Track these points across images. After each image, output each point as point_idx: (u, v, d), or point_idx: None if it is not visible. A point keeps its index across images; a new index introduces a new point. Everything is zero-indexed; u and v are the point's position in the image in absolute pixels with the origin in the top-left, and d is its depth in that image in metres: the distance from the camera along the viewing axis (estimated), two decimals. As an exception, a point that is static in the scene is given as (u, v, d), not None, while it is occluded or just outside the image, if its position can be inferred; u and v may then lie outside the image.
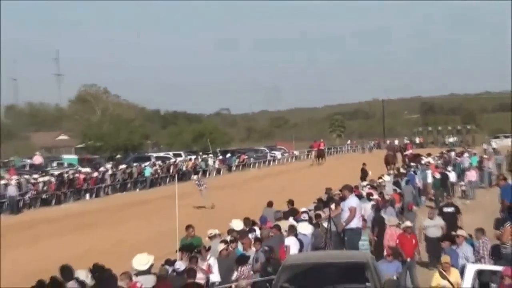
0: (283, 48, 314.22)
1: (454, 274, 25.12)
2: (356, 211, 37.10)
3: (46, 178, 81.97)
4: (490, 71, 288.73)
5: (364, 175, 60.55)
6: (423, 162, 71.53)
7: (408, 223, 34.51)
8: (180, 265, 27.63)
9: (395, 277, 27.60)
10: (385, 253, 32.09)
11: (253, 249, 31.43)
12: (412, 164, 70.41)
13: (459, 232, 31.63)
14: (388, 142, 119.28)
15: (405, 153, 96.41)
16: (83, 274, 24.09)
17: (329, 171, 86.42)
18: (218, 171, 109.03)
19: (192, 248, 30.87)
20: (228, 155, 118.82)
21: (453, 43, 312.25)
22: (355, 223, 37.79)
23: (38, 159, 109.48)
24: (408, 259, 32.63)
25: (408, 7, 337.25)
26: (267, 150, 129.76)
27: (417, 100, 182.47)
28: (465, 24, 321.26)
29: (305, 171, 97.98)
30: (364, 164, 67.77)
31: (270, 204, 43.82)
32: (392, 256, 29.86)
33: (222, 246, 31.17)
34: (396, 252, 31.31)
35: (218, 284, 28.10)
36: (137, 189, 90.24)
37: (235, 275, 28.55)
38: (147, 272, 26.02)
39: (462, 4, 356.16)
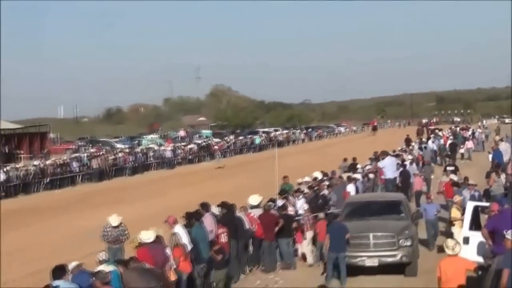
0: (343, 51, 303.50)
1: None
2: (389, 167, 37.67)
3: (191, 146, 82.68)
4: (481, 70, 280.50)
5: (408, 142, 60.18)
6: (439, 133, 71.38)
7: (452, 176, 34.09)
8: (279, 202, 27.73)
9: (435, 214, 27.28)
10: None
11: (326, 191, 31.49)
12: (432, 135, 70.15)
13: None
14: (423, 121, 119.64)
15: (428, 127, 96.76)
16: (215, 208, 24.19)
17: (379, 139, 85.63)
18: (303, 140, 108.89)
19: (286, 191, 30.97)
20: (310, 130, 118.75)
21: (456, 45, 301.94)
22: (389, 174, 37.96)
23: (182, 133, 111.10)
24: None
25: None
26: (335, 127, 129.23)
27: (432, 93, 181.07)
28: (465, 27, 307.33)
29: (363, 140, 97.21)
30: (408, 135, 67.46)
31: (345, 159, 44.42)
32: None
33: (308, 190, 31.36)
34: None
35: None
36: (250, 153, 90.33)
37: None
38: (258, 206, 26.11)
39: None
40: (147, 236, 19.12)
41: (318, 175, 35.69)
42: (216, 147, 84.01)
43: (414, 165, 41.20)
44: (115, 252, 21.59)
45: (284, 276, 24.22)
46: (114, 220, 22.22)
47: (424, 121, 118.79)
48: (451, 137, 66.58)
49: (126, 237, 22.63)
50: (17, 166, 59.35)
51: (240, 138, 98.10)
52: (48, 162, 62.65)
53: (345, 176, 35.64)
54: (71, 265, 16.81)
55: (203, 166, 73.65)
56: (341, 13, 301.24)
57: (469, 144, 62.12)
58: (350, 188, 32.93)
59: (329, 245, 22.93)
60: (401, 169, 38.88)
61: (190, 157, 79.30)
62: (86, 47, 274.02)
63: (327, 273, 23.11)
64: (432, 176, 41.39)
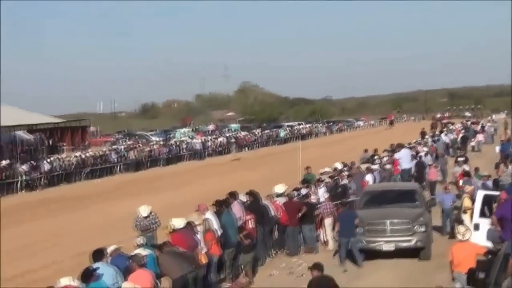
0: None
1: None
2: (405, 158, 37.70)
3: (221, 139, 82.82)
4: (490, 68, 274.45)
5: (423, 135, 59.93)
6: (451, 127, 71.03)
7: (465, 166, 33.98)
8: (302, 191, 27.78)
9: (451, 204, 27.17)
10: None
11: (346, 181, 31.54)
12: (444, 129, 69.81)
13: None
14: (437, 115, 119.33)
15: (441, 121, 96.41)
16: (242, 196, 24.25)
17: (395, 133, 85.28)
18: (324, 133, 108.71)
19: (309, 181, 30.99)
20: (330, 123, 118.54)
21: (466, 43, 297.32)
22: (405, 165, 37.95)
23: (212, 127, 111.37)
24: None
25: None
26: (354, 121, 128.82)
27: (444, 90, 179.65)
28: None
29: (380, 133, 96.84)
30: (423, 128, 67.12)
31: (365, 150, 44.44)
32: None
33: (328, 179, 31.42)
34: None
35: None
36: (275, 145, 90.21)
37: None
38: (282, 195, 26.16)
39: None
40: (179, 222, 19.28)
41: (339, 166, 35.77)
42: (233, 140, 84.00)
43: (428, 156, 41.16)
44: (148, 239, 21.69)
45: (307, 259, 24.21)
46: (144, 210, 22.26)
47: (437, 115, 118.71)
48: (462, 130, 66.25)
49: (157, 225, 22.63)
50: (60, 157, 59.77)
51: (266, 131, 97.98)
52: (88, 153, 63.08)
53: (363, 166, 35.71)
54: (110, 249, 16.98)
55: (231, 158, 73.72)
56: (366, 12, 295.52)
57: (480, 137, 61.65)
58: (368, 178, 33.07)
59: (340, 231, 23.27)
60: (416, 160, 38.94)
61: (219, 149, 79.46)
62: (123, 47, 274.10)
63: (340, 257, 23.29)
64: (447, 167, 41.31)
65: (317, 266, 15.04)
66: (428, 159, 39.70)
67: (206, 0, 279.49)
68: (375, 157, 40.23)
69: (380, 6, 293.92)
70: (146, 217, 21.94)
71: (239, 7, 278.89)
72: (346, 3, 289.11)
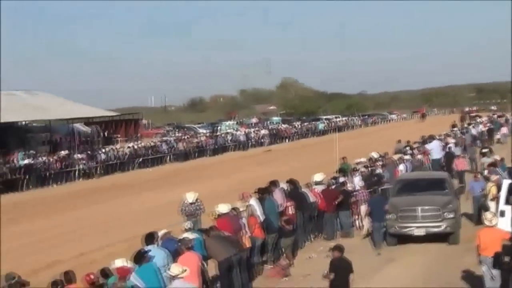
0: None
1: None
2: (435, 149, 37.57)
3: (263, 131, 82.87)
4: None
5: (454, 127, 59.32)
6: (478, 120, 70.33)
7: (496, 156, 33.63)
8: (340, 179, 27.81)
9: (480, 192, 26.89)
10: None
11: (380, 170, 31.47)
12: (472, 121, 69.25)
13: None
14: (466, 109, 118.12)
15: (470, 114, 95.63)
16: (283, 184, 24.32)
17: (427, 125, 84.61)
18: (360, 126, 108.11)
19: (345, 170, 31.00)
20: (365, 117, 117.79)
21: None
22: (435, 155, 37.78)
23: (255, 120, 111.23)
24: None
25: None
26: (387, 114, 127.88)
27: (472, 85, 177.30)
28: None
29: (412, 126, 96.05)
30: (454, 121, 66.50)
31: (399, 141, 43.95)
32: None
33: (363, 169, 31.40)
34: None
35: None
36: (314, 137, 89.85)
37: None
38: (321, 183, 26.23)
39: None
40: (224, 208, 19.42)
41: (375, 155, 35.69)
42: (263, 131, 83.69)
43: (458, 147, 40.90)
44: (194, 224, 21.83)
45: (343, 243, 24.22)
46: (190, 197, 22.31)
47: (466, 109, 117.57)
48: (488, 124, 65.53)
49: (202, 211, 22.74)
50: (114, 148, 60.31)
51: (305, 124, 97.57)
52: (140, 144, 63.58)
53: (396, 156, 35.59)
54: (160, 233, 17.18)
55: (273, 148, 73.78)
56: (404, 11, 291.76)
57: (504, 129, 61.01)
58: (401, 167, 32.97)
59: (372, 216, 23.74)
60: (446, 150, 38.71)
61: (261, 141, 79.54)
62: (173, 44, 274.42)
63: (374, 241, 23.59)
64: (476, 155, 40.98)
65: (338, 248, 15.70)
66: (457, 150, 39.43)
67: (242, 0, 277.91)
68: (407, 148, 40.09)
69: (407, 6, 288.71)
70: (192, 203, 21.98)
71: (278, 10, 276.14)
72: (383, 3, 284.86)
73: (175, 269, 13.88)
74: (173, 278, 13.75)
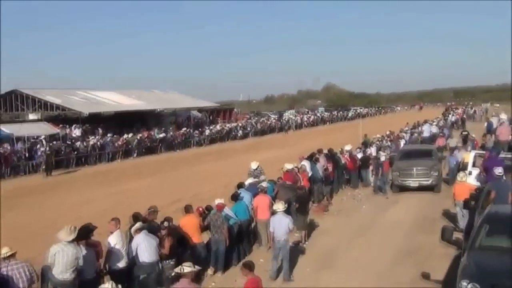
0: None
1: None
2: (426, 130, 36.99)
3: (312, 117, 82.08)
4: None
5: (443, 115, 57.23)
6: (456, 111, 68.13)
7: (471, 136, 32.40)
8: (362, 149, 27.57)
9: (454, 164, 25.64)
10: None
11: (389, 143, 31.05)
12: (451, 112, 67.16)
13: None
14: (448, 104, 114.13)
15: (451, 107, 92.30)
16: (325, 151, 24.29)
17: (422, 114, 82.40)
18: (375, 114, 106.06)
19: (366, 143, 30.71)
20: (380, 108, 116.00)
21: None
22: (426, 134, 37.07)
23: (306, 110, 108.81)
24: None
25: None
26: (394, 107, 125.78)
27: (485, 87, 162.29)
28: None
29: (412, 114, 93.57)
30: (444, 111, 64.58)
31: (407, 123, 43.49)
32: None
33: (377, 142, 30.93)
34: None
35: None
36: (345, 121, 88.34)
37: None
38: (349, 151, 25.95)
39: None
40: (289, 166, 19.60)
41: (387, 132, 35.30)
42: (285, 120, 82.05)
43: (441, 130, 39.91)
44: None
45: (363, 191, 24.29)
46: (253, 165, 21.69)
47: (448, 104, 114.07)
48: (463, 114, 63.62)
49: (262, 174, 21.02)
50: (216, 127, 60.83)
51: (340, 113, 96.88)
52: (233, 124, 63.99)
53: (400, 134, 35.11)
54: (247, 181, 17.44)
55: (317, 128, 73.28)
56: (419, 12, 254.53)
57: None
58: (402, 142, 32.60)
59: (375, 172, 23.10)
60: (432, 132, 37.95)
61: (311, 123, 79.13)
62: (247, 47, 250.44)
63: (382, 190, 23.44)
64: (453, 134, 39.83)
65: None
66: (437, 131, 38.51)
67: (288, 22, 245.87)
68: (406, 128, 39.48)
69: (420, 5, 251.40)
70: (255, 169, 21.50)
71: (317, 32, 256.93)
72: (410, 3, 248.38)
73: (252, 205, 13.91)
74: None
